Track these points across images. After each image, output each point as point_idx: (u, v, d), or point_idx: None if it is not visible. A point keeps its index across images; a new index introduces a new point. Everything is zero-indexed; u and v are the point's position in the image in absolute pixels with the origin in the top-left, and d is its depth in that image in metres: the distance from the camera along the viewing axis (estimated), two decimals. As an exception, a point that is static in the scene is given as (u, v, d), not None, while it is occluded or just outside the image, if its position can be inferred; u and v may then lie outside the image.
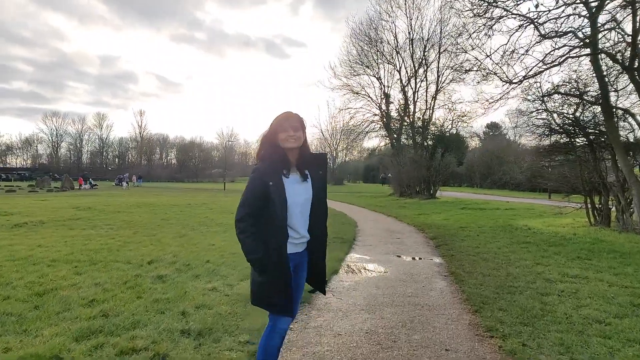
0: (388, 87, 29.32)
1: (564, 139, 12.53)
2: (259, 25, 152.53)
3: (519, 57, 10.51)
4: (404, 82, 28.40)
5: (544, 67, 9.92)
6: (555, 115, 12.05)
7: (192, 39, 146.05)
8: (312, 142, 64.74)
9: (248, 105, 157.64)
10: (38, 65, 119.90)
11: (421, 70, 27.57)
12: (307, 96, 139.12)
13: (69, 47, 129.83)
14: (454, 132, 24.96)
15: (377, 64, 28.74)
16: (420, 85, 27.77)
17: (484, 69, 10.22)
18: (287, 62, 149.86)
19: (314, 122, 78.02)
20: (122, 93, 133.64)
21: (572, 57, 9.67)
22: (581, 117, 12.07)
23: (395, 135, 29.11)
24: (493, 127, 60.96)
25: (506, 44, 10.88)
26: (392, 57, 28.33)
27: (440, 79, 26.75)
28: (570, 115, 12.11)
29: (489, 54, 9.83)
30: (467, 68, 11.04)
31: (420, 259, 7.63)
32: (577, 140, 12.43)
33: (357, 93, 29.55)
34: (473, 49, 10.83)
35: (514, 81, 9.97)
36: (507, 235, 10.33)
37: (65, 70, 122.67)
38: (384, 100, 29.42)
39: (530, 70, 9.81)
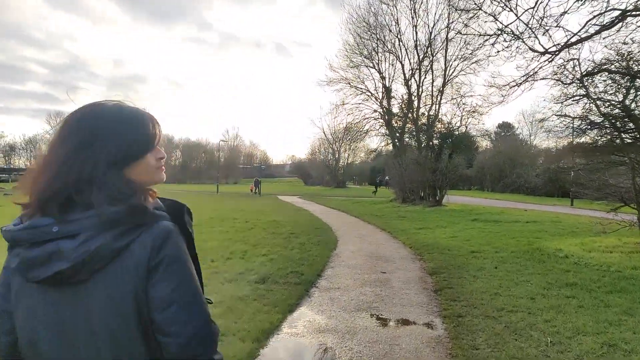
0: (390, 80, 26.36)
1: (608, 134, 9.54)
2: (269, 26, 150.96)
3: (553, 22, 7.53)
4: (407, 74, 25.41)
5: (592, 30, 6.92)
6: (599, 103, 9.04)
7: (202, 40, 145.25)
8: (314, 143, 62.04)
9: (255, 106, 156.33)
10: (51, 66, 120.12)
11: (426, 61, 24.59)
12: (313, 96, 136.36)
13: (81, 48, 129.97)
14: (463, 130, 21.91)
15: (376, 53, 25.76)
16: (425, 78, 24.77)
17: (508, 33, 7.25)
18: (294, 61, 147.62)
19: (316, 122, 75.24)
20: (132, 94, 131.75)
21: (633, 16, 6.67)
22: (633, 106, 9.08)
23: (397, 134, 26.10)
24: (505, 127, 57.49)
25: (534, 7, 7.92)
26: (394, 46, 25.36)
27: (447, 71, 23.72)
28: (618, 103, 9.11)
29: (514, 9, 6.84)
30: (486, 34, 8.07)
31: (406, 323, 4.71)
32: (626, 136, 9.44)
33: (354, 87, 26.61)
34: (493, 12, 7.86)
35: (549, 50, 6.99)
36: (537, 267, 7.35)
37: (77, 71, 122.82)
38: (384, 95, 26.44)
39: (572, 37, 6.82)
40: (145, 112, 1.08)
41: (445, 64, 23.76)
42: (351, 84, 26.81)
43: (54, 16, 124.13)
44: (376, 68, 26.35)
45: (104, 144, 0.98)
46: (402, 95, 26.55)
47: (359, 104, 27.15)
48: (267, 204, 24.36)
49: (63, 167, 0.95)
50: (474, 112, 20.69)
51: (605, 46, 8.45)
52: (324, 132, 51.14)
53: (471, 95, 22.04)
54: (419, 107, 24.80)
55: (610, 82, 9.07)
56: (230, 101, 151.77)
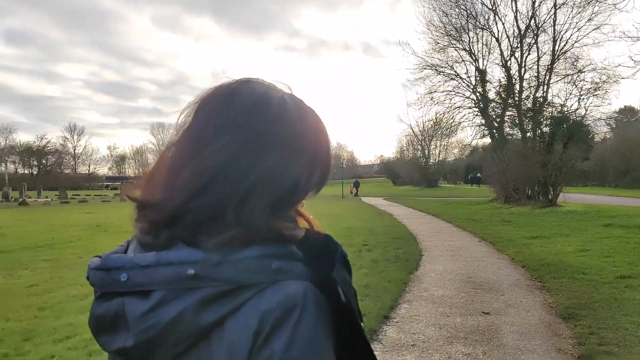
0: (484, 61, 22.86)
1: None
2: (357, 28, 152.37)
3: None
4: (505, 53, 21.83)
5: None
6: None
7: (292, 47, 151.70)
8: (402, 140, 58.96)
9: (343, 107, 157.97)
10: (159, 83, 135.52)
11: (530, 36, 20.82)
12: (401, 93, 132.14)
13: (183, 65, 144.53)
14: (582, 113, 17.86)
15: (467, 32, 22.45)
16: (528, 55, 21.01)
17: None
18: (383, 61, 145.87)
19: (403, 117, 71.93)
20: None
21: None
22: None
23: (495, 124, 22.57)
24: (628, 112, 49.28)
25: None
26: (488, 22, 21.93)
27: (557, 45, 19.79)
28: None
29: None
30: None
31: None
32: None
33: (442, 72, 23.50)
34: None
35: None
36: None
37: (180, 86, 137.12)
38: (478, 80, 23.04)
39: None
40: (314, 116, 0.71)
41: (554, 37, 19.90)
42: (438, 70, 23.79)
43: (160, 37, 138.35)
44: (467, 49, 23.08)
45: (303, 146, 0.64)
46: (499, 79, 22.98)
47: (449, 91, 24.02)
48: (348, 207, 22.44)
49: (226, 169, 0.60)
50: (596, 89, 16.68)
51: None
52: (411, 128, 47.78)
53: (593, 69, 17.84)
54: (521, 90, 21.14)
55: None
56: (319, 104, 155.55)
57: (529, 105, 20.22)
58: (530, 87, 21.02)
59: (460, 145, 56.99)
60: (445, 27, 22.67)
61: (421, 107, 25.70)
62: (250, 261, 0.56)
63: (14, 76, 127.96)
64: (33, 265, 7.47)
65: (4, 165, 70.68)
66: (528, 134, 20.20)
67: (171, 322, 0.54)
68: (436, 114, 25.50)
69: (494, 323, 4.52)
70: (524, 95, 20.83)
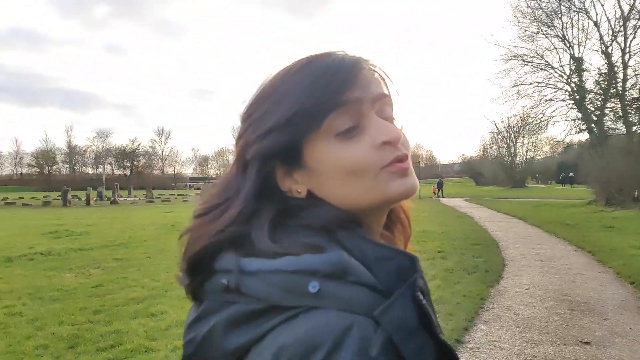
0: (580, 48, 20.47)
1: None
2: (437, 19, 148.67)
3: None
4: (605, 39, 19.40)
5: None
6: None
7: (372, 46, 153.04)
8: (484, 138, 55.68)
9: (421, 105, 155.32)
10: (236, 86, 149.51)
11: (635, 18, 18.31)
12: (487, 88, 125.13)
13: (262, 67, 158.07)
14: None
15: (559, 17, 20.26)
16: (633, 39, 18.46)
17: None
18: (466, 55, 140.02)
19: (487, 114, 67.99)
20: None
21: None
22: None
23: (594, 117, 20.15)
24: None
25: None
26: (584, 4, 19.62)
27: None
28: None
29: None
30: None
31: None
32: None
33: (529, 63, 21.38)
34: None
35: None
36: None
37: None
38: (573, 69, 20.70)
39: None
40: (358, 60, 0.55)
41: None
42: (525, 60, 21.74)
43: (239, 40, 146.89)
44: (560, 36, 20.84)
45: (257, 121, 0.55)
46: (598, 67, 20.49)
47: (538, 83, 21.85)
48: (425, 209, 21.33)
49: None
50: None
51: None
52: (495, 125, 44.68)
53: None
54: (625, 79, 18.66)
55: None
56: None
57: (635, 96, 17.80)
58: (635, 74, 18.51)
59: (551, 142, 52.49)
60: (534, 12, 20.69)
61: (505, 102, 23.63)
62: (283, 276, 0.44)
63: (111, 84, 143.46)
64: (104, 264, 7.69)
65: (101, 167, 78.55)
66: (634, 128, 17.78)
67: (204, 339, 0.47)
68: (523, 108, 23.47)
69: (597, 357, 3.64)
70: (628, 85, 18.38)
